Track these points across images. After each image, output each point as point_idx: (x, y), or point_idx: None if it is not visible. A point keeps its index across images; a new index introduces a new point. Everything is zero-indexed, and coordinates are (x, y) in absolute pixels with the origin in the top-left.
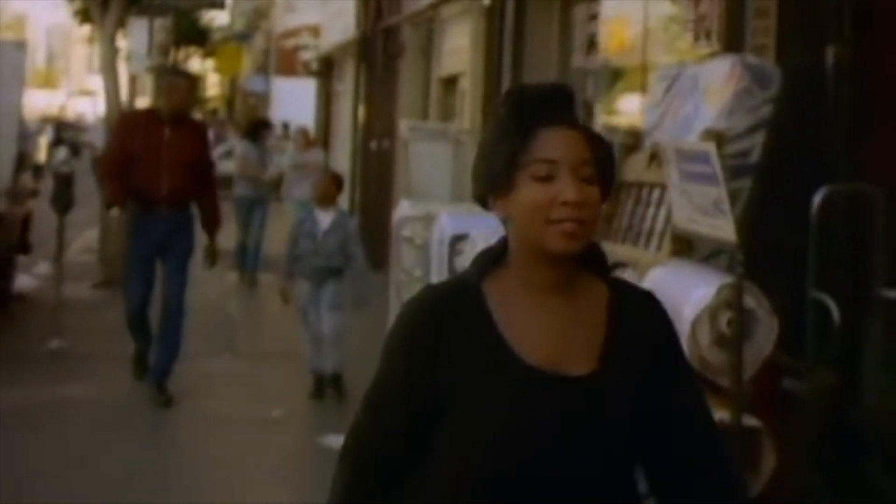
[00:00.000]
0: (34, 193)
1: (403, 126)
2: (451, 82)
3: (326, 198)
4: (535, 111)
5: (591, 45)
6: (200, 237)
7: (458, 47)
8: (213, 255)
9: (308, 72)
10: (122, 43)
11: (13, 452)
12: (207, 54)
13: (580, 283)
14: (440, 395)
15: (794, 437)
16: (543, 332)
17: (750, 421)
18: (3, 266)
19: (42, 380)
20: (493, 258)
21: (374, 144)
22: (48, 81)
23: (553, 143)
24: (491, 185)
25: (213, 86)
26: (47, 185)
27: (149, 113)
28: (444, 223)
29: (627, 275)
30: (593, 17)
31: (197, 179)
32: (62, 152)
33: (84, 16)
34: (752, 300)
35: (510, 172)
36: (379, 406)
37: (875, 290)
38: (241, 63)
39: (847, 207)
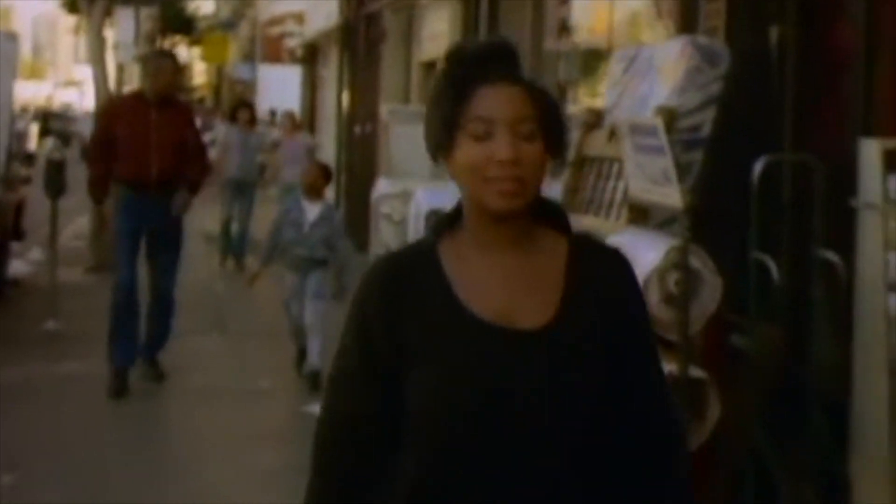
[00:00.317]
0: (27, 181)
1: (384, 109)
2: (431, 66)
3: (314, 189)
4: (473, 69)
5: (563, 28)
6: (189, 222)
7: (438, 32)
8: (184, 203)
9: (293, 59)
10: (109, 32)
11: (13, 426)
12: (193, 43)
13: (538, 239)
14: (402, 360)
15: (741, 389)
16: (496, 289)
17: (696, 372)
18: None
19: (39, 358)
20: (450, 220)
21: (357, 129)
22: (35, 72)
23: (489, 101)
24: (436, 145)
25: (199, 74)
26: (39, 173)
27: (135, 96)
28: (419, 199)
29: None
30: (565, 1)
31: (186, 161)
32: (50, 142)
33: (71, 6)
34: (698, 261)
35: (450, 132)
36: (347, 383)
37: (814, 252)
38: (228, 51)
39: (791, 176)
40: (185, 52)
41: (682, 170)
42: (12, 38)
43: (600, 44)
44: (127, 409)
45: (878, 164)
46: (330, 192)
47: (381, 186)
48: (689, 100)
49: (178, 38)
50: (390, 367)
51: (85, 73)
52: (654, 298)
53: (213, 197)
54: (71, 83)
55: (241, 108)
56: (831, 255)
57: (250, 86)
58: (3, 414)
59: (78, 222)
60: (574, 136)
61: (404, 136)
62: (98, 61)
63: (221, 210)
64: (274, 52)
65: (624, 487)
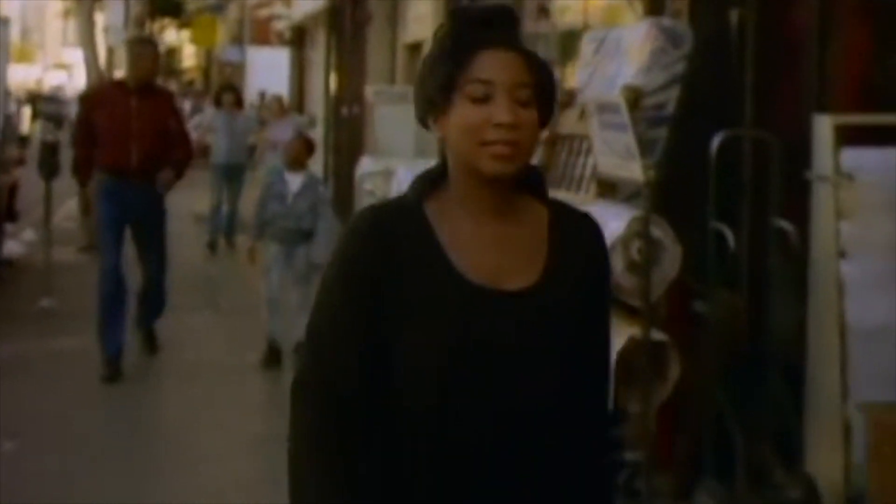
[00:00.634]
0: (20, 163)
1: (369, 90)
2: (415, 48)
3: (297, 161)
4: (475, 32)
5: (542, 11)
6: (179, 204)
7: (422, 15)
8: (167, 181)
9: (282, 41)
10: (99, 16)
11: (12, 397)
12: (183, 26)
13: (521, 204)
14: (386, 313)
15: (702, 353)
16: (484, 251)
17: (658, 336)
18: None
19: (35, 335)
20: (432, 180)
21: (344, 110)
22: (23, 56)
23: (490, 64)
24: (429, 105)
25: (189, 57)
26: (32, 155)
27: (116, 84)
28: (400, 176)
29: None
30: None
31: (168, 148)
32: (40, 125)
33: None
34: (659, 231)
35: (447, 93)
36: (329, 336)
37: (770, 221)
38: (217, 34)
39: (752, 151)
40: (174, 35)
41: (647, 146)
42: (3, 22)
43: (577, 26)
44: (121, 382)
45: (830, 139)
46: (318, 172)
47: (365, 164)
48: (653, 79)
49: (166, 21)
50: (374, 320)
51: (74, 56)
52: (618, 266)
53: (203, 180)
54: (60, 66)
55: (225, 91)
56: (786, 225)
57: (239, 68)
58: (3, 386)
59: (70, 204)
60: None
61: (388, 116)
62: (88, 45)
63: (210, 195)
64: (262, 35)
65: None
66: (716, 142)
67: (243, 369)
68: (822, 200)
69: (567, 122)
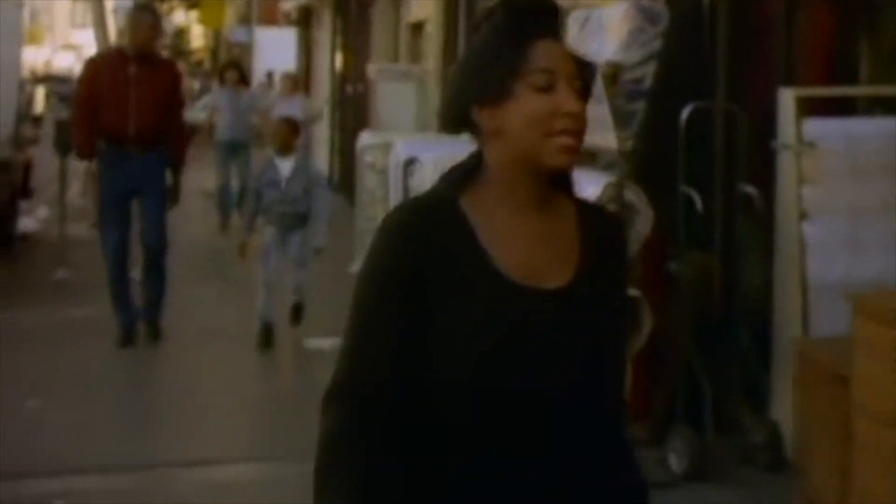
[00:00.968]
0: (34, 141)
1: (371, 68)
2: (418, 27)
3: (286, 146)
4: (529, 22)
5: None
6: (188, 181)
7: None
8: (174, 194)
9: (289, 21)
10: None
11: (33, 359)
12: (191, 6)
13: (554, 199)
14: (424, 309)
15: (675, 310)
16: (523, 248)
17: (632, 292)
18: (7, 209)
19: (51, 304)
20: (467, 173)
21: (350, 88)
22: (33, 37)
23: (551, 55)
24: (480, 95)
25: (197, 38)
26: (45, 134)
27: (115, 52)
28: (398, 149)
29: None
30: None
31: (166, 118)
32: (54, 104)
33: None
34: (633, 195)
35: (507, 82)
36: (365, 338)
37: (737, 186)
38: (225, 14)
39: (724, 121)
40: (182, 15)
41: (626, 117)
42: (18, 4)
43: (568, 6)
44: (131, 349)
45: (793, 110)
46: (324, 149)
47: (365, 138)
48: (632, 56)
49: (175, 2)
50: (411, 318)
51: (82, 37)
52: None
53: (211, 158)
54: (69, 47)
55: (228, 68)
56: (751, 189)
57: (247, 49)
58: (24, 350)
59: (82, 181)
60: None
61: (390, 93)
62: (99, 25)
63: (216, 173)
64: (270, 15)
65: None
66: (685, 113)
67: (249, 336)
68: (786, 167)
69: None
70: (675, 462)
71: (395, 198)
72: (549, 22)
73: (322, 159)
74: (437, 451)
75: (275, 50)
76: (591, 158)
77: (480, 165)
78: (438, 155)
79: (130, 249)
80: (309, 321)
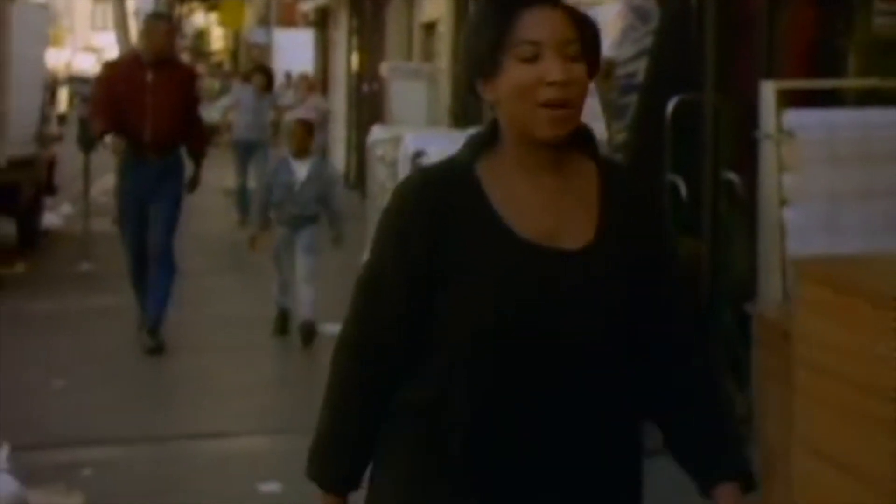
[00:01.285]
0: (58, 139)
1: (384, 67)
2: (430, 27)
3: (302, 148)
4: None
5: None
6: (208, 179)
7: None
8: (194, 181)
9: (307, 22)
10: (130, 2)
11: (59, 344)
12: (211, 8)
13: (571, 161)
14: (437, 272)
15: None
16: (538, 209)
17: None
18: (32, 205)
19: (75, 294)
20: (485, 140)
21: (365, 87)
22: (54, 39)
23: (536, 24)
24: (478, 69)
25: (216, 39)
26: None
27: (132, 58)
28: (407, 142)
29: None
30: None
31: (183, 122)
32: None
33: None
34: None
35: (495, 56)
36: (377, 288)
37: (721, 174)
38: (244, 16)
39: (713, 113)
40: (202, 17)
41: (620, 110)
42: (44, 8)
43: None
44: None
45: (773, 102)
46: (341, 147)
47: (376, 132)
48: (625, 52)
49: (195, 3)
50: (424, 277)
51: (102, 39)
52: None
53: (230, 157)
54: (89, 49)
55: (256, 72)
56: (733, 176)
57: (266, 49)
58: (50, 335)
59: (105, 178)
60: None
61: (402, 90)
62: (121, 27)
63: (235, 172)
64: (288, 16)
65: (658, 388)
66: (670, 105)
67: (263, 321)
68: (768, 156)
69: None
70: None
71: None
72: None
73: (339, 157)
74: (447, 408)
75: (293, 51)
76: None
77: (496, 132)
78: (445, 148)
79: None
80: (322, 307)
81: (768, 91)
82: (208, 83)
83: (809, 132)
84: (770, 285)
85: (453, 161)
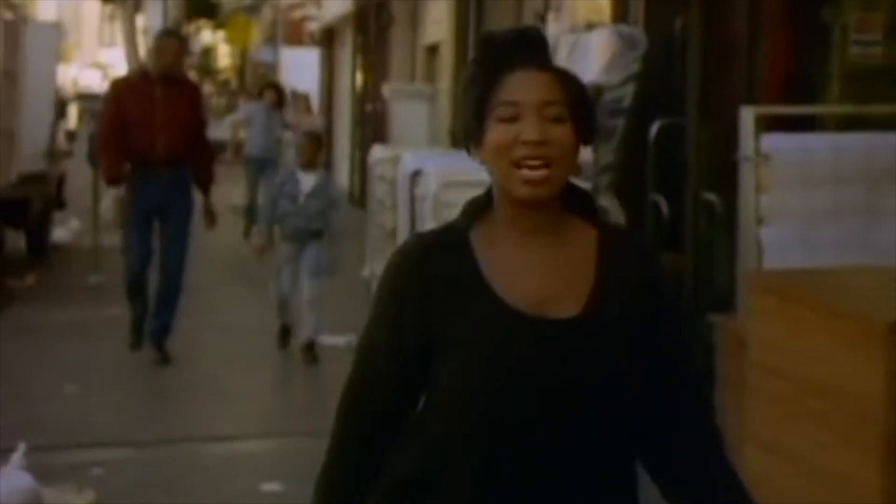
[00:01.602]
0: (68, 155)
1: (386, 88)
2: (433, 49)
3: (311, 162)
4: (502, 56)
5: (540, 18)
6: (216, 195)
7: (439, 18)
8: (210, 215)
9: (313, 42)
10: (139, 19)
11: (70, 351)
12: (218, 26)
13: (568, 226)
14: (430, 342)
15: None
16: (530, 277)
17: None
18: (42, 219)
19: (85, 305)
20: (481, 205)
21: (369, 107)
22: (62, 56)
23: (516, 86)
24: (466, 132)
25: (223, 57)
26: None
27: (140, 75)
28: (406, 162)
29: None
30: None
31: (192, 136)
32: (87, 120)
33: None
34: (606, 201)
35: (480, 118)
36: (371, 353)
37: (702, 194)
38: (251, 34)
39: (696, 135)
40: (209, 35)
41: (608, 133)
42: (57, 26)
43: (559, 32)
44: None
45: (752, 126)
46: (344, 165)
47: (376, 152)
48: (613, 77)
49: (202, 21)
50: (417, 343)
51: (110, 55)
52: None
53: (236, 174)
54: (96, 65)
55: (268, 88)
56: (712, 197)
57: (273, 68)
58: (61, 344)
59: (113, 193)
60: None
61: (404, 110)
62: (131, 46)
63: (246, 188)
64: (295, 35)
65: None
66: (654, 129)
67: (268, 330)
68: (746, 177)
69: None
70: None
71: (402, 206)
72: (524, 52)
73: (343, 175)
74: (441, 474)
75: (299, 69)
76: (577, 169)
77: (492, 197)
78: (441, 167)
79: (150, 264)
80: (324, 320)
81: (747, 116)
82: (215, 101)
83: (785, 155)
84: (745, 299)
85: (450, 227)
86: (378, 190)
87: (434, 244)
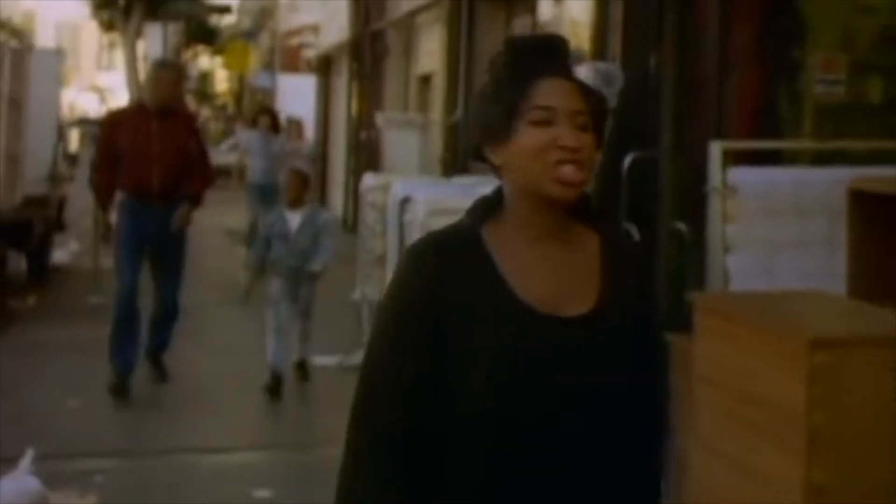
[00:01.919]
0: (69, 179)
1: (380, 117)
2: (426, 79)
3: (296, 200)
4: (533, 62)
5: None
6: (213, 219)
7: (432, 50)
8: (182, 218)
9: (310, 69)
10: (139, 45)
11: (72, 367)
12: (216, 52)
13: (573, 230)
14: (443, 335)
15: None
16: (541, 277)
17: None
18: (43, 241)
19: (86, 324)
20: (489, 207)
21: (363, 135)
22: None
23: (551, 92)
24: (488, 133)
25: (221, 81)
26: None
27: (137, 107)
28: (396, 189)
29: None
30: (528, 28)
31: (188, 171)
32: (89, 145)
33: (108, 25)
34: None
35: (509, 121)
36: (388, 352)
37: (670, 223)
38: (248, 60)
39: (670, 167)
40: (207, 60)
41: None
42: (59, 53)
43: None
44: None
45: (719, 160)
46: (339, 193)
47: (367, 179)
48: None
49: (201, 47)
50: (429, 346)
51: (108, 79)
52: None
53: (234, 198)
54: (94, 89)
55: (261, 114)
56: (680, 226)
57: (270, 94)
58: (64, 361)
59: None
60: None
61: (396, 139)
62: (132, 71)
63: (248, 212)
64: (293, 62)
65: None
66: (627, 161)
67: (263, 350)
68: (714, 208)
69: None
70: None
71: (391, 232)
72: (553, 60)
73: (338, 202)
74: (454, 478)
75: (296, 96)
76: None
77: (501, 199)
78: (429, 195)
79: (139, 296)
80: (316, 341)
81: (715, 150)
82: (213, 126)
83: (750, 188)
84: None
85: (459, 226)
86: (369, 216)
87: (447, 243)
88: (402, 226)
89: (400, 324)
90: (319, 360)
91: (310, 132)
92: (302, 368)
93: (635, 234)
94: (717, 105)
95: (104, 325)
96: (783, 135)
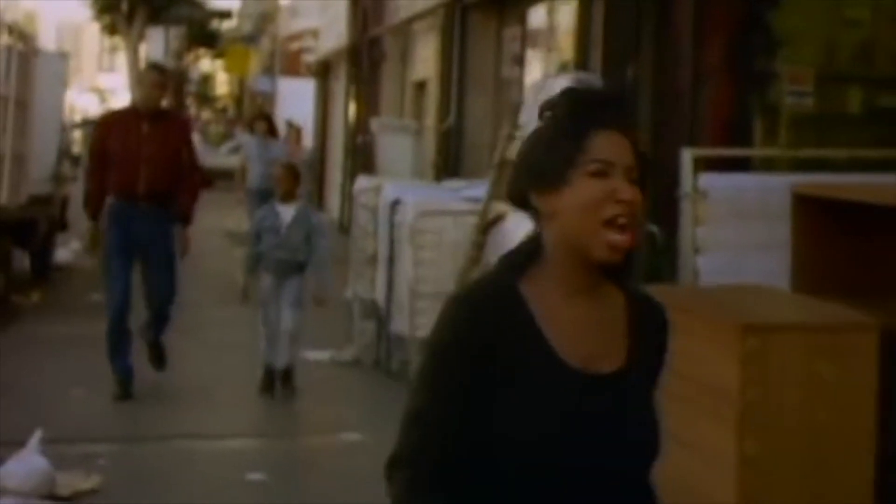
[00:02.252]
0: (72, 179)
1: (374, 122)
2: (421, 86)
3: (288, 193)
4: (593, 113)
5: (517, 59)
6: (212, 222)
7: (427, 56)
8: (183, 244)
9: (310, 73)
10: (142, 48)
11: (76, 360)
12: (217, 55)
13: (605, 288)
14: (484, 391)
15: None
16: (578, 333)
17: None
18: (46, 239)
19: (87, 320)
20: (526, 258)
21: (359, 139)
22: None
23: (607, 145)
24: (539, 181)
25: (221, 84)
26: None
27: (129, 110)
28: (387, 191)
29: (506, 224)
30: (518, 38)
31: (177, 173)
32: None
33: (111, 28)
34: None
35: (564, 169)
36: (434, 403)
37: (646, 226)
38: (249, 63)
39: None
40: (208, 63)
41: None
42: (64, 56)
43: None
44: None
45: (690, 166)
46: (336, 196)
47: (360, 182)
48: None
49: (202, 50)
50: (476, 389)
51: (108, 81)
52: None
53: (232, 200)
54: (95, 90)
55: (258, 119)
56: (653, 228)
57: (270, 97)
58: (67, 354)
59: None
60: (500, 144)
61: (389, 144)
62: (135, 73)
63: (248, 217)
64: (293, 66)
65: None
66: None
67: (256, 345)
68: (686, 212)
69: (513, 150)
70: None
71: (382, 232)
72: (611, 112)
73: (335, 204)
74: None
75: (296, 100)
76: None
77: (538, 249)
78: (418, 197)
79: (131, 300)
80: (309, 337)
81: (687, 157)
82: (213, 128)
83: (719, 192)
84: None
85: (496, 279)
86: (361, 217)
87: (490, 297)
88: (392, 227)
89: (449, 368)
90: (312, 354)
91: (309, 137)
92: (287, 377)
93: None
94: (691, 115)
95: (103, 322)
96: (755, 144)
